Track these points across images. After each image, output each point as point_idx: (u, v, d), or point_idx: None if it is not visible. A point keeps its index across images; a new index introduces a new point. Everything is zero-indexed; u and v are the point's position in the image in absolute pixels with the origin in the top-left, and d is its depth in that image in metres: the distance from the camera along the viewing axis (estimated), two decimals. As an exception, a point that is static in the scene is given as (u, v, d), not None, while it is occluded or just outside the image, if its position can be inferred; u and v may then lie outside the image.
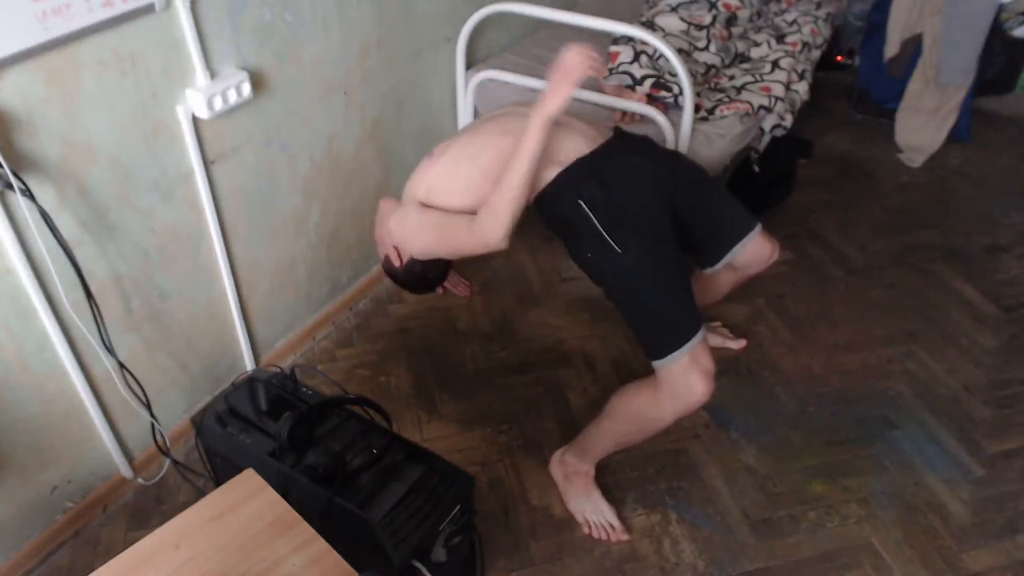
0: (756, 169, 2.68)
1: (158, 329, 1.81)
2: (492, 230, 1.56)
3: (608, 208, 1.58)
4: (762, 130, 2.60)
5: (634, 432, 1.70)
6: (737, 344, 2.26)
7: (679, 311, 1.56)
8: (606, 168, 1.63)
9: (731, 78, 2.63)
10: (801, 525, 1.82)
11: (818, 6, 3.10)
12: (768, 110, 2.49)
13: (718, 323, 2.33)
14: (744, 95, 2.50)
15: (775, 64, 2.68)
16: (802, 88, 2.68)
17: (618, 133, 1.75)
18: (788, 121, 2.63)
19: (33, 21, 1.31)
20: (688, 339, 1.52)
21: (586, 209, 1.58)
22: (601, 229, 1.57)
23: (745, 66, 2.72)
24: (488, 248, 1.59)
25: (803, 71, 2.73)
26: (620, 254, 1.56)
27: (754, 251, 1.80)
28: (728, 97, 2.49)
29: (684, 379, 1.52)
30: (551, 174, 1.63)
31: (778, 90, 2.54)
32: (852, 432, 2.04)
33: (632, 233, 1.57)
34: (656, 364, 1.56)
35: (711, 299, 2.09)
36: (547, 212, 1.67)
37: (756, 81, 2.59)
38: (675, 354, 1.52)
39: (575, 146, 1.65)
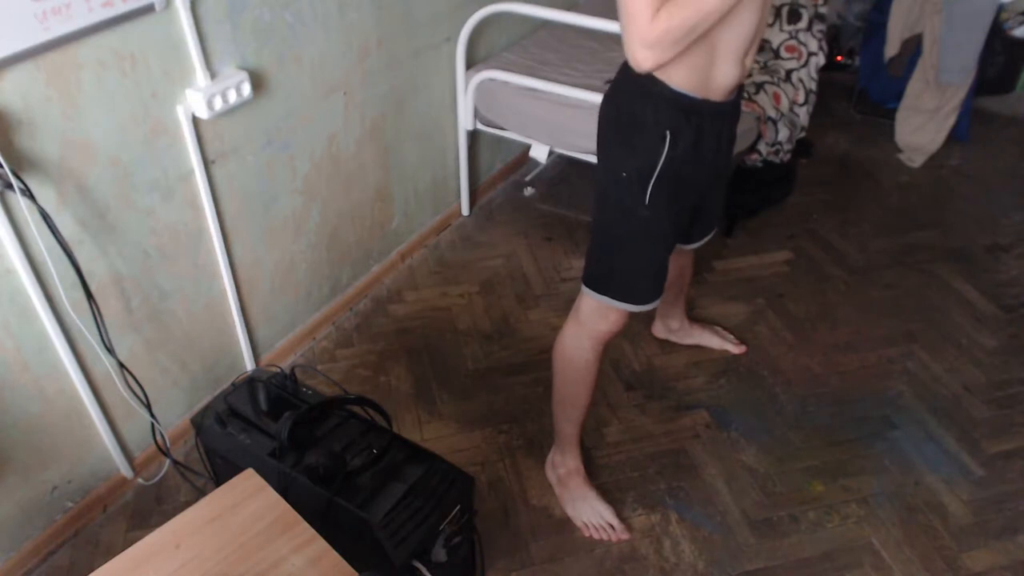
0: (759, 164, 2.67)
1: (158, 329, 1.81)
2: (645, 39, 1.20)
3: (675, 163, 1.41)
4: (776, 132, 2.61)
5: (575, 381, 1.72)
6: (738, 350, 2.26)
7: (653, 274, 1.57)
8: (712, 124, 1.42)
9: (749, 75, 2.62)
10: (801, 525, 1.82)
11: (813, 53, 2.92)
12: (775, 122, 2.49)
13: (718, 327, 2.32)
14: (760, 97, 2.51)
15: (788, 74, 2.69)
16: (803, 113, 2.69)
17: (740, 88, 1.48)
18: (787, 149, 2.64)
19: (33, 21, 1.31)
20: (635, 302, 1.58)
21: (665, 148, 1.39)
22: (654, 173, 1.42)
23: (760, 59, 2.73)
24: (632, 56, 1.24)
25: (809, 91, 2.73)
26: (645, 205, 1.45)
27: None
28: (747, 94, 2.49)
29: (605, 313, 1.61)
30: (683, 78, 1.33)
31: (784, 103, 2.54)
32: (852, 432, 2.03)
33: (666, 199, 1.46)
34: (588, 290, 1.60)
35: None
36: (627, 103, 1.39)
37: (773, 83, 2.59)
38: (615, 302, 1.57)
39: (728, 79, 1.36)
